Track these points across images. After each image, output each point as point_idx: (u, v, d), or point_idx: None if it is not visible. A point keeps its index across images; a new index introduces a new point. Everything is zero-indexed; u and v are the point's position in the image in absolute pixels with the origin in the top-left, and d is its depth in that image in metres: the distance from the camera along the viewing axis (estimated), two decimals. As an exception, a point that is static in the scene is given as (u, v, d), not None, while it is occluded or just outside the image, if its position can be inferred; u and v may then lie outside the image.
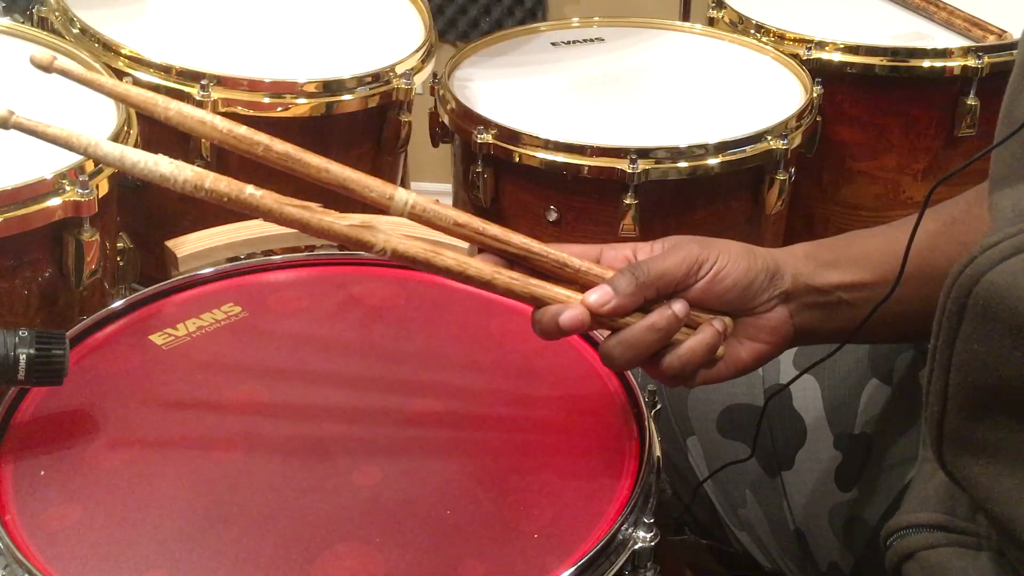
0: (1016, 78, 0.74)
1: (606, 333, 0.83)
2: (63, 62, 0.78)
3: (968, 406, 0.68)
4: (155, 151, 1.47)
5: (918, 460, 0.92)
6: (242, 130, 0.79)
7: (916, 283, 0.83)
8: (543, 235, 1.48)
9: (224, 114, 1.37)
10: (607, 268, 0.84)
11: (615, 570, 0.76)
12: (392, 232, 0.80)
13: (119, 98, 0.82)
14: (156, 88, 1.38)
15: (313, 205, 0.78)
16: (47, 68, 0.78)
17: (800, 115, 1.53)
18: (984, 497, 0.70)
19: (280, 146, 0.79)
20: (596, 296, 0.81)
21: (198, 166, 1.42)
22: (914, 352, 0.99)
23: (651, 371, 0.84)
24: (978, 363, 0.66)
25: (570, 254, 0.83)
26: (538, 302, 0.82)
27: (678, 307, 0.82)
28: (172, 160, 0.76)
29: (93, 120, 1.25)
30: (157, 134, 1.41)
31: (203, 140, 1.39)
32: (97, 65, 1.33)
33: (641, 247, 0.85)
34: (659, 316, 0.81)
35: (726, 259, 0.83)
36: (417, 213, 0.81)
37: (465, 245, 0.89)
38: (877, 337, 0.91)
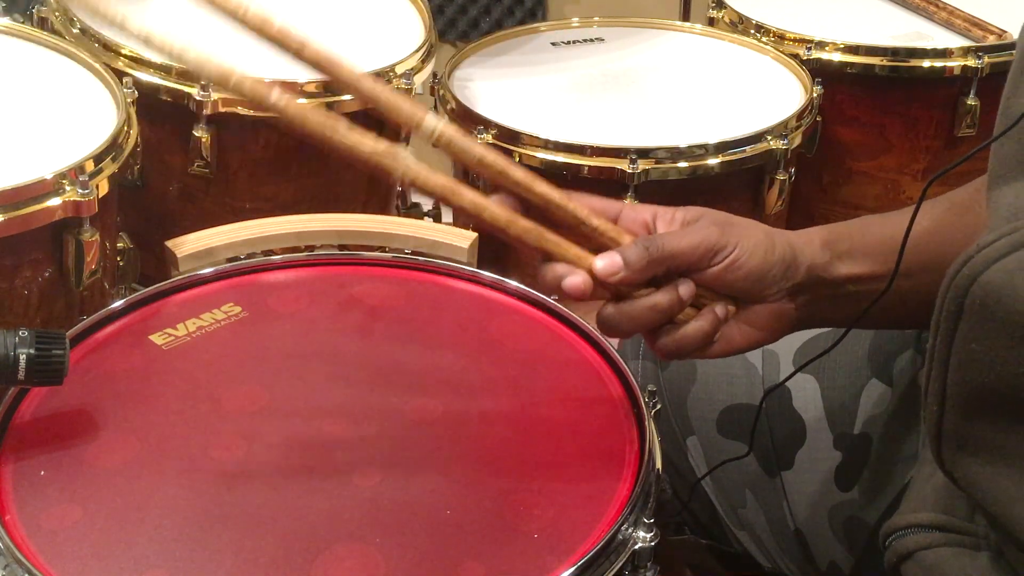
0: (1014, 75, 0.74)
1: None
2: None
3: (966, 406, 0.68)
4: (155, 151, 1.48)
5: (918, 460, 0.92)
6: (276, 27, 0.77)
7: (922, 269, 0.82)
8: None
9: (224, 114, 1.39)
10: (624, 231, 0.82)
11: (615, 570, 0.76)
12: (414, 162, 0.77)
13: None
14: (156, 88, 1.38)
15: (340, 120, 0.76)
16: None
17: (800, 115, 1.53)
18: (982, 497, 0.70)
19: (314, 47, 0.76)
20: (604, 264, 0.79)
21: (198, 167, 1.44)
22: (914, 352, 0.99)
23: (646, 340, 0.84)
24: (976, 362, 0.66)
25: (590, 207, 0.82)
26: (548, 255, 0.80)
27: (684, 290, 0.81)
28: (199, 52, 0.75)
29: (93, 120, 1.25)
30: (157, 133, 1.41)
31: (203, 141, 1.39)
32: (97, 66, 1.33)
33: (662, 213, 0.84)
34: (663, 297, 0.80)
35: (744, 249, 0.82)
36: (444, 143, 0.79)
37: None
38: (883, 323, 0.91)
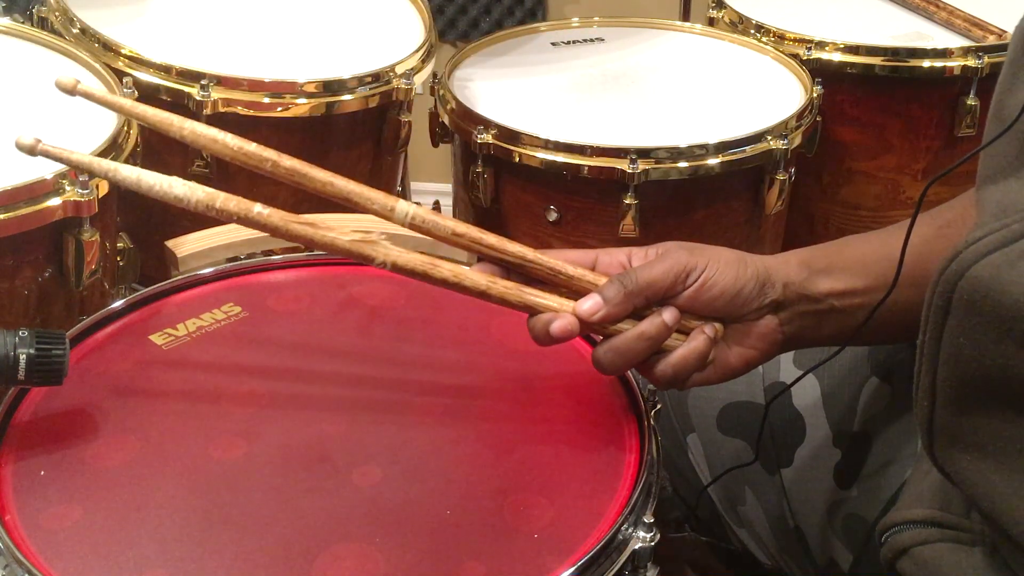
0: (1006, 75, 0.75)
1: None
2: (85, 86, 0.84)
3: (956, 401, 0.68)
4: (155, 154, 1.49)
5: (917, 457, 0.92)
6: (252, 147, 0.84)
7: (910, 286, 0.83)
8: (543, 235, 1.49)
9: (224, 114, 1.39)
10: (601, 275, 0.86)
11: (615, 570, 0.76)
12: (391, 247, 0.84)
13: (138, 118, 0.86)
14: (156, 88, 1.38)
15: (317, 221, 0.83)
16: (71, 91, 0.83)
17: (800, 115, 1.53)
18: (975, 492, 0.70)
19: (287, 162, 0.84)
20: (587, 306, 0.83)
21: (198, 168, 1.44)
22: (913, 351, 0.99)
23: (644, 374, 0.86)
24: (965, 357, 0.67)
25: (566, 260, 0.86)
26: (531, 310, 0.85)
27: (667, 315, 0.84)
28: (185, 181, 0.82)
29: (93, 120, 1.25)
30: (157, 133, 1.41)
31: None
32: (97, 66, 1.33)
33: (636, 252, 0.87)
34: (649, 325, 0.83)
35: (715, 267, 0.84)
36: (417, 224, 0.85)
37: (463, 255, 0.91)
38: (874, 339, 0.92)
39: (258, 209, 0.82)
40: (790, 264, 0.88)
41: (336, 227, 0.83)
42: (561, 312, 0.83)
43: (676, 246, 0.86)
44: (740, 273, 0.85)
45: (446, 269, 0.84)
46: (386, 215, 0.84)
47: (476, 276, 0.84)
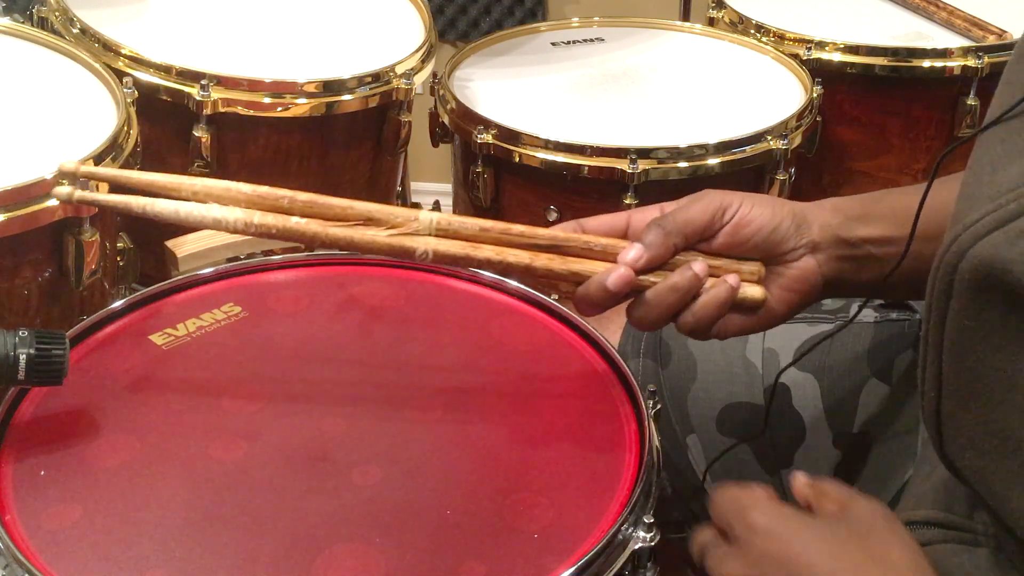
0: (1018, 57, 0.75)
1: (612, 328, 0.86)
2: (82, 194, 0.88)
3: (962, 389, 0.68)
4: (155, 151, 1.48)
5: (916, 458, 0.92)
6: (264, 189, 0.85)
7: (939, 238, 0.83)
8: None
9: (224, 114, 1.39)
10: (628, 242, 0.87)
11: (615, 570, 0.76)
12: (430, 238, 0.86)
13: (144, 187, 0.88)
14: (156, 88, 1.38)
15: (356, 226, 0.85)
16: (69, 199, 0.87)
17: (800, 115, 1.53)
18: (981, 488, 0.70)
19: (303, 196, 0.85)
20: (631, 254, 0.84)
21: (198, 167, 1.44)
22: (913, 352, 0.99)
23: (676, 326, 0.87)
24: (969, 341, 0.67)
25: (598, 224, 0.87)
26: (578, 276, 0.86)
27: (698, 267, 0.85)
28: (221, 206, 0.84)
29: (93, 120, 1.25)
30: (157, 133, 1.41)
31: (203, 141, 1.39)
32: (97, 66, 1.33)
33: (667, 205, 0.88)
34: (680, 276, 0.84)
35: (750, 205, 0.85)
36: (443, 228, 0.86)
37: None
38: (905, 293, 0.92)
39: (295, 220, 0.84)
40: (824, 208, 0.88)
41: (374, 227, 0.85)
42: (611, 268, 0.84)
43: (709, 191, 0.87)
44: (776, 210, 0.86)
45: (488, 249, 0.85)
46: (411, 227, 0.85)
47: (519, 252, 0.85)
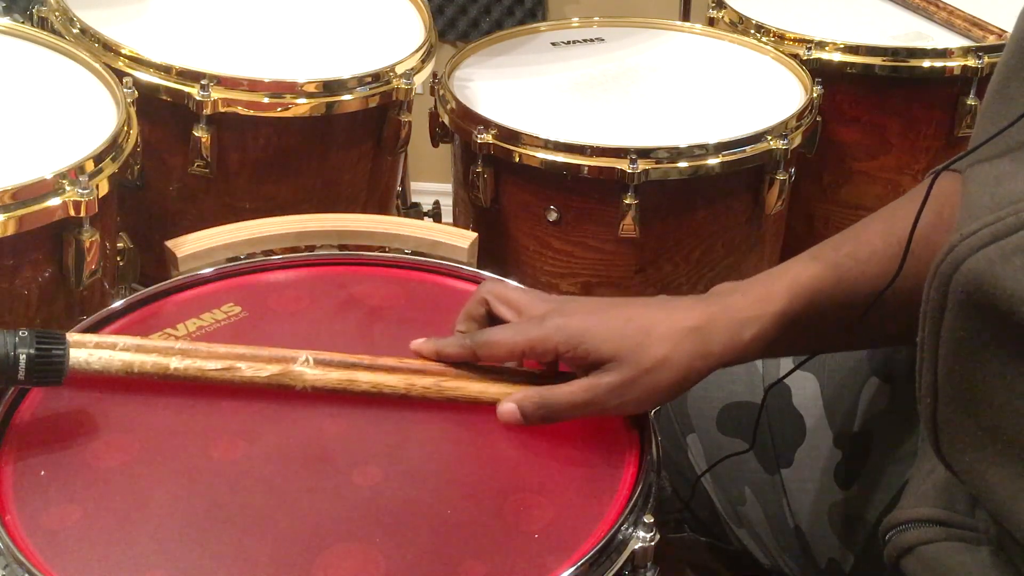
0: (1009, 65, 0.75)
1: None
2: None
3: (958, 396, 0.68)
4: (156, 151, 1.48)
5: (917, 457, 0.92)
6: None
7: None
8: (543, 235, 1.49)
9: (224, 114, 1.39)
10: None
11: (615, 570, 0.76)
12: (308, 371, 0.87)
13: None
14: (156, 88, 1.38)
15: (235, 365, 0.87)
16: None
17: (800, 115, 1.53)
18: (981, 490, 0.70)
19: (181, 344, 0.89)
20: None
21: (198, 167, 1.44)
22: (913, 351, 0.99)
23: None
24: (963, 351, 0.66)
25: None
26: (456, 402, 0.88)
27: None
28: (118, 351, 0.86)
29: (93, 120, 1.25)
30: (157, 133, 1.41)
31: (203, 141, 1.39)
32: (97, 66, 1.33)
33: (520, 298, 0.89)
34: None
35: (595, 342, 0.84)
36: (321, 361, 0.89)
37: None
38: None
39: (175, 364, 0.86)
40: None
41: (254, 366, 0.87)
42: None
43: (561, 321, 0.85)
44: (688, 375, 0.84)
45: (364, 381, 0.87)
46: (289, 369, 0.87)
47: (395, 382, 0.87)
